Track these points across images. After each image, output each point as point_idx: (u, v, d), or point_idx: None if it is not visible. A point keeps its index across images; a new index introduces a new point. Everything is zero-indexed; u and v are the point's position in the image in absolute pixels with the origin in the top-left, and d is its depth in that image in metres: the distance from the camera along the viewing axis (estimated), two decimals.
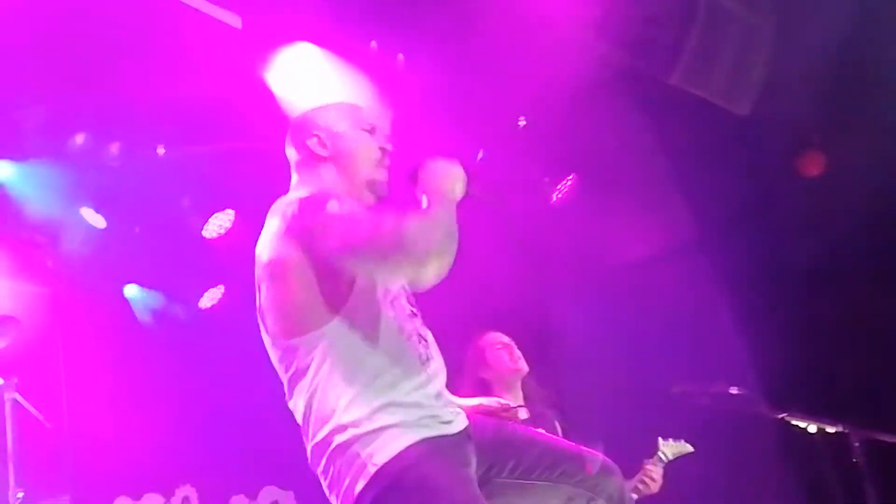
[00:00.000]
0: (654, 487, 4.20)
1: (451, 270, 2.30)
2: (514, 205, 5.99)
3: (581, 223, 6.20)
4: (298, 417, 2.45)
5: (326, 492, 2.40)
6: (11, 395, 4.31)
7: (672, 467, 4.15)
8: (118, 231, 5.40)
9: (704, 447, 4.29)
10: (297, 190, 2.60)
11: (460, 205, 2.43)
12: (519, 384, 4.23)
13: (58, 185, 4.95)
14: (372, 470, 2.27)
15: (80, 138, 4.88)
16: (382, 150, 2.63)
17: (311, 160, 2.63)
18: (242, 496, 6.09)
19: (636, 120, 5.45)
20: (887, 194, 5.10)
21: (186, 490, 5.80)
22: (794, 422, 4.15)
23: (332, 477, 2.35)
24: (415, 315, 2.54)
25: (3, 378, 4.35)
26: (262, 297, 2.53)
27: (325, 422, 2.35)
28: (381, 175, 2.62)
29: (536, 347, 6.31)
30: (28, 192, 4.91)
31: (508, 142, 5.62)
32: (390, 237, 2.24)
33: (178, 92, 4.62)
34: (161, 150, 5.10)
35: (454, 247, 2.28)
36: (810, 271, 5.38)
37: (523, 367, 4.20)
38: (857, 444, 3.96)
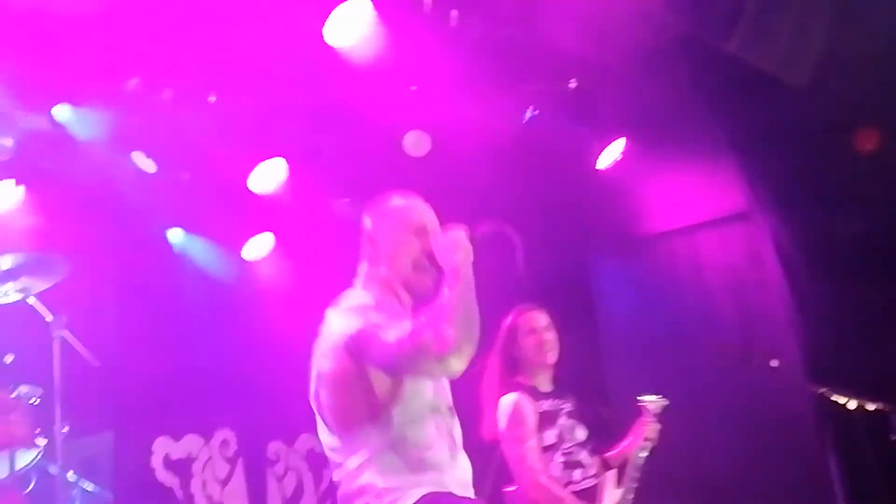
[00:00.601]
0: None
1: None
2: (561, 168, 5.97)
3: (628, 189, 6.17)
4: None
5: None
6: (60, 333, 4.39)
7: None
8: (167, 176, 5.46)
9: (744, 418, 4.29)
10: (355, 290, 2.95)
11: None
12: (548, 370, 4.24)
13: (112, 129, 5.00)
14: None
15: (133, 83, 4.93)
16: (424, 253, 2.87)
17: (368, 257, 2.99)
18: (280, 442, 6.20)
19: (690, 87, 5.38)
20: None
21: (225, 433, 5.92)
22: (833, 397, 4.14)
23: None
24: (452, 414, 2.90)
25: (53, 315, 4.43)
26: (321, 396, 2.90)
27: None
28: (418, 277, 2.89)
29: (577, 316, 6.34)
30: (84, 135, 4.97)
31: (558, 103, 5.58)
32: (413, 348, 2.57)
33: (232, 41, 4.65)
34: (212, 99, 5.14)
35: (475, 328, 2.59)
36: (860, 247, 5.31)
37: (549, 360, 4.22)
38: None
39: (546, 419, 4.03)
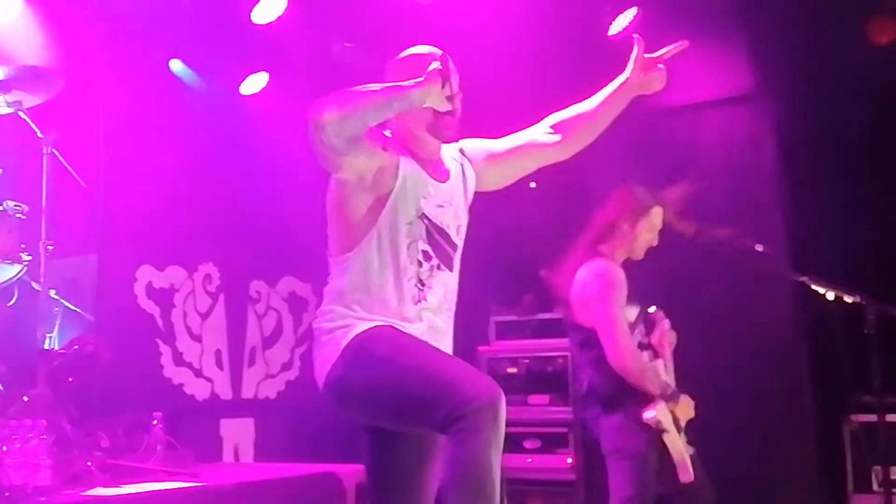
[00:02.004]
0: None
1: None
2: (571, 35, 5.83)
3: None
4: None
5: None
6: (49, 150, 4.35)
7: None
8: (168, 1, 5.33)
9: (722, 297, 4.33)
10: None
11: None
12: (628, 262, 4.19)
13: None
14: (343, 342, 2.74)
15: None
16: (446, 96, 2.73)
17: None
18: (262, 282, 6.26)
19: None
20: None
21: (209, 268, 5.96)
22: (813, 286, 4.18)
23: (316, 349, 2.82)
24: (421, 264, 2.85)
25: (42, 132, 4.38)
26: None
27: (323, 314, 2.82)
28: (443, 124, 2.83)
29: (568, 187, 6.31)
30: None
31: None
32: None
33: None
34: None
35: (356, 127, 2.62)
36: (858, 142, 5.27)
37: (641, 256, 4.16)
38: (871, 317, 3.99)
39: (629, 296, 4.03)
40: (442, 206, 2.89)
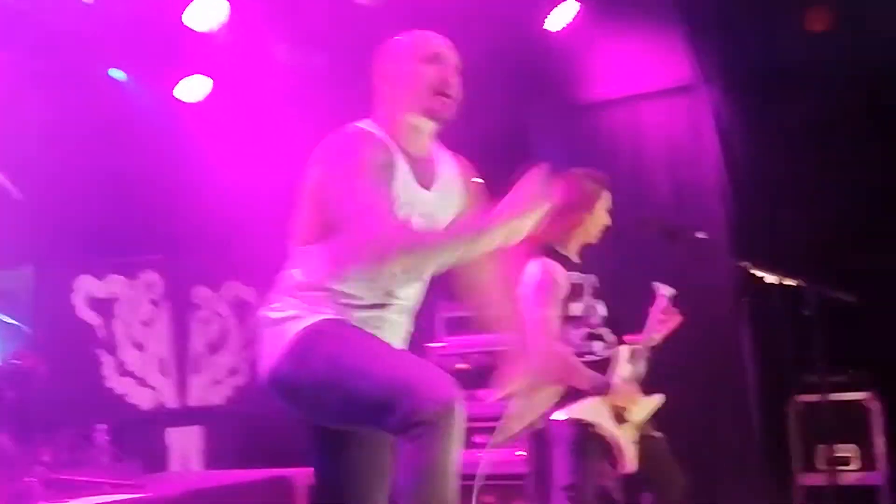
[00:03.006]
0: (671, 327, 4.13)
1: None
2: (509, 27, 5.83)
3: (574, 53, 6.08)
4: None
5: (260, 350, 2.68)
6: None
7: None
8: (104, 8, 5.23)
9: (664, 283, 4.35)
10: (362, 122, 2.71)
11: None
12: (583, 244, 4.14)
13: None
14: (301, 325, 2.58)
15: None
16: (442, 78, 2.68)
17: (376, 96, 2.76)
18: (205, 287, 6.18)
19: None
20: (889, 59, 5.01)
21: (151, 275, 5.87)
22: (753, 271, 4.22)
23: (260, 339, 2.66)
24: None
25: None
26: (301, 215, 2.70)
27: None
28: (439, 103, 2.68)
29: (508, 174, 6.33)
30: None
31: None
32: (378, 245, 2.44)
33: None
34: None
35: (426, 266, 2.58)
36: (801, 129, 5.34)
37: (596, 237, 4.10)
38: (811, 299, 4.05)
39: (574, 291, 4.00)
40: (423, 217, 2.72)
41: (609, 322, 4.10)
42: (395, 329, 2.76)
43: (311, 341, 2.56)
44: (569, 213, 4.04)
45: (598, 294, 4.11)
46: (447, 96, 2.68)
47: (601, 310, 4.10)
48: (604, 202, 4.11)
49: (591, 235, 4.12)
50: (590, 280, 4.09)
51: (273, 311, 2.66)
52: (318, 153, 2.65)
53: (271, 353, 2.62)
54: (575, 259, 4.10)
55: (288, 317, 2.61)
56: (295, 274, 2.67)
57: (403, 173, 2.65)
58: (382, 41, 2.86)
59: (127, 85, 5.71)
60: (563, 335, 3.94)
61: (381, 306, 2.69)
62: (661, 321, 4.07)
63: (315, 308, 2.61)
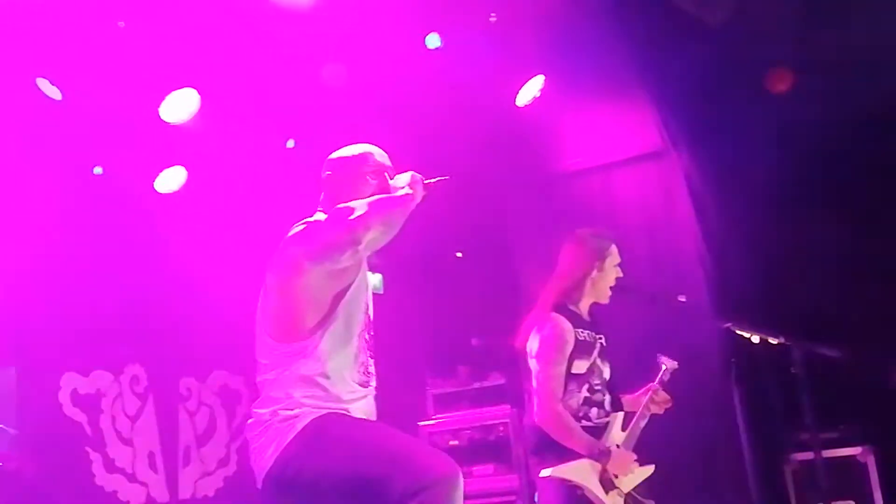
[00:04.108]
0: (662, 408, 4.20)
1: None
2: (479, 100, 5.94)
3: (545, 126, 6.18)
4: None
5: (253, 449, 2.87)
6: None
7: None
8: (75, 104, 5.27)
9: (650, 348, 4.37)
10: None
11: None
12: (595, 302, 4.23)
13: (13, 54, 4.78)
14: (299, 426, 2.78)
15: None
16: (380, 185, 3.13)
17: (324, 200, 3.14)
18: (192, 378, 6.14)
19: (610, 23, 5.38)
20: (855, 116, 5.11)
21: (136, 369, 5.83)
22: (738, 331, 4.25)
23: (266, 436, 2.82)
24: (368, 352, 3.03)
25: None
26: (269, 303, 2.94)
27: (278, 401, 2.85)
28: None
29: (495, 255, 6.38)
30: None
31: (479, 36, 5.53)
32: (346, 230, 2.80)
33: None
34: (121, 24, 4.95)
35: (395, 230, 2.90)
36: (770, 189, 5.42)
37: (608, 294, 4.22)
38: (797, 357, 4.07)
39: (582, 348, 4.03)
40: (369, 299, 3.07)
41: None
42: (371, 411, 2.98)
43: (319, 430, 2.76)
44: (578, 270, 4.11)
45: (604, 354, 4.14)
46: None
47: (606, 371, 4.13)
48: (612, 259, 4.18)
49: (602, 293, 4.17)
50: (599, 339, 4.13)
51: (281, 408, 2.81)
52: (281, 252, 2.91)
53: (276, 447, 2.77)
54: (586, 317, 4.15)
55: (294, 415, 2.79)
56: (291, 369, 2.83)
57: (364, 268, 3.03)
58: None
59: (106, 179, 5.72)
60: (565, 394, 3.97)
61: (365, 386, 2.95)
62: (655, 402, 4.11)
63: (318, 403, 2.81)
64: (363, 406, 2.93)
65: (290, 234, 2.94)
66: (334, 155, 3.22)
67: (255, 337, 2.98)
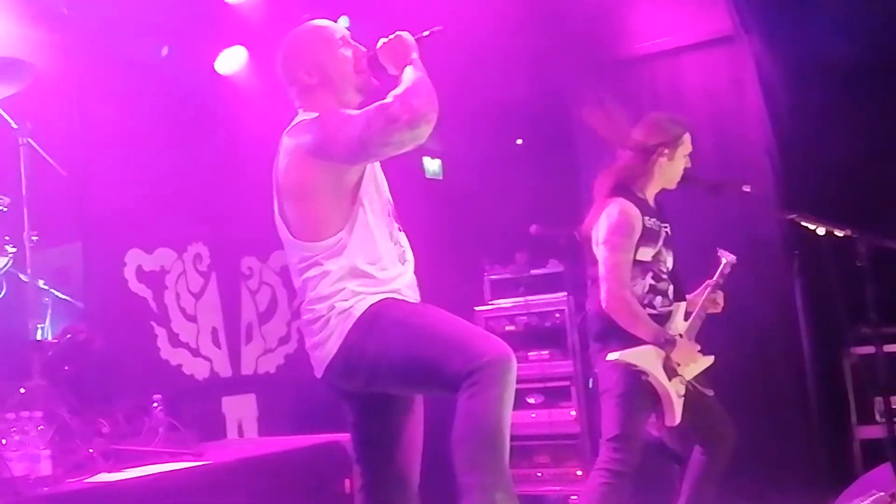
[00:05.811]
0: (719, 307, 4.21)
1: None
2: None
3: (613, 8, 6.01)
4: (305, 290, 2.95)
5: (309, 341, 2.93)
6: (25, 140, 4.31)
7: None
8: None
9: (713, 240, 4.32)
10: (302, 115, 3.02)
11: None
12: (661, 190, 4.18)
13: None
14: (357, 314, 2.83)
15: None
16: (356, 55, 3.04)
17: (305, 89, 3.07)
18: (254, 258, 6.22)
19: None
20: None
21: (198, 247, 5.92)
22: (803, 223, 4.16)
23: (326, 328, 2.85)
24: (396, 225, 3.05)
25: (17, 123, 4.33)
26: (286, 210, 2.99)
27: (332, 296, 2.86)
28: (363, 77, 3.04)
29: (557, 144, 6.28)
30: None
31: None
32: (383, 120, 2.71)
33: None
34: None
35: (435, 99, 2.77)
36: (843, 73, 5.23)
37: (675, 182, 4.17)
38: (862, 249, 3.98)
39: (648, 235, 4.00)
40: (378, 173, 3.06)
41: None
42: (414, 287, 3.01)
43: (377, 315, 2.81)
44: (648, 154, 4.03)
45: (669, 243, 4.10)
46: (363, 72, 3.02)
47: (669, 260, 4.09)
48: (684, 147, 4.10)
49: (670, 181, 4.12)
50: (664, 228, 4.08)
51: (339, 301, 2.83)
52: (285, 150, 2.96)
53: (337, 337, 2.82)
54: (652, 204, 4.10)
55: (352, 304, 2.83)
56: (334, 264, 2.85)
57: None
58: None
59: (168, 61, 5.72)
60: (633, 280, 3.95)
61: (403, 261, 2.98)
62: (712, 300, 4.08)
63: (373, 289, 2.85)
64: (408, 281, 2.97)
65: (306, 136, 2.89)
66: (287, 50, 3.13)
67: (283, 244, 3.04)
